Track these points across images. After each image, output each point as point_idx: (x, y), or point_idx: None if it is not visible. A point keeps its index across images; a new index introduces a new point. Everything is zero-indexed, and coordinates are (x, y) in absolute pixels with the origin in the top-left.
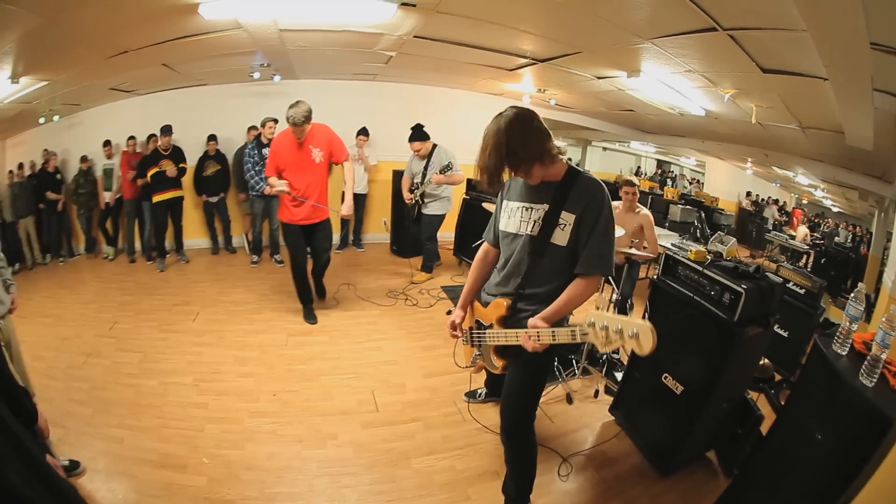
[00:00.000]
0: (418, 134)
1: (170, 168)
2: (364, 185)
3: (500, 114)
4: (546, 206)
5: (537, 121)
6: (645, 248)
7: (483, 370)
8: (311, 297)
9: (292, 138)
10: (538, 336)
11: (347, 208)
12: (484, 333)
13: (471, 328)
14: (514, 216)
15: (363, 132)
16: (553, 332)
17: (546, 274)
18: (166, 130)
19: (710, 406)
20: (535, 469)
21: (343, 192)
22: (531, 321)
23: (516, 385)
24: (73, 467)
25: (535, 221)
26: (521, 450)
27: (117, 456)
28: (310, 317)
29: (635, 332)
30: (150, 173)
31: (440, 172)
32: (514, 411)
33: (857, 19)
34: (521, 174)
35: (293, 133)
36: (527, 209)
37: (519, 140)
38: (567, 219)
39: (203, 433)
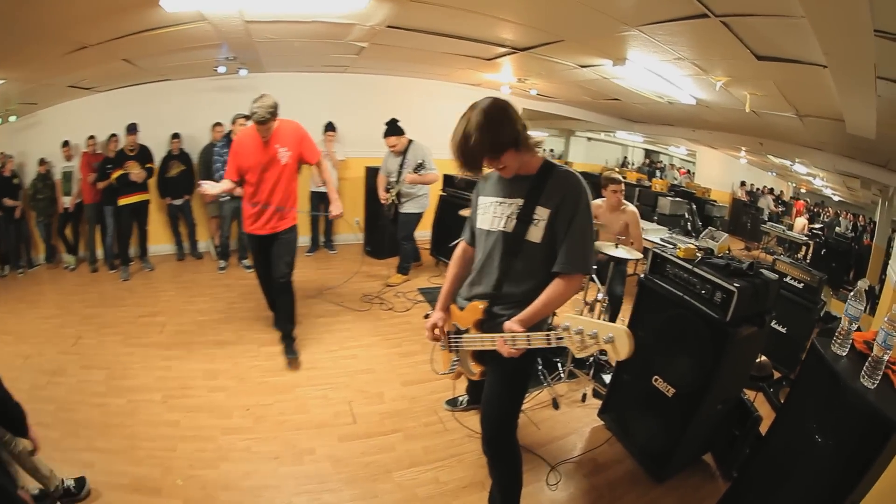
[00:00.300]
0: (393, 129)
1: (135, 171)
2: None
3: (476, 102)
4: (520, 201)
5: (511, 110)
6: (632, 244)
7: (462, 376)
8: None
9: (256, 136)
10: (514, 340)
11: (337, 208)
12: (461, 338)
13: (448, 332)
14: (487, 212)
15: (330, 128)
16: (528, 336)
17: (521, 273)
18: (132, 129)
19: (704, 408)
20: (522, 479)
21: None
22: (507, 324)
23: (496, 393)
24: (80, 487)
25: (507, 217)
26: (505, 460)
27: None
28: (289, 350)
29: (611, 337)
30: (114, 175)
31: (414, 171)
32: (494, 420)
33: (859, 6)
34: (493, 162)
35: (258, 131)
36: (500, 204)
37: (490, 124)
38: (541, 214)
39: (176, 453)
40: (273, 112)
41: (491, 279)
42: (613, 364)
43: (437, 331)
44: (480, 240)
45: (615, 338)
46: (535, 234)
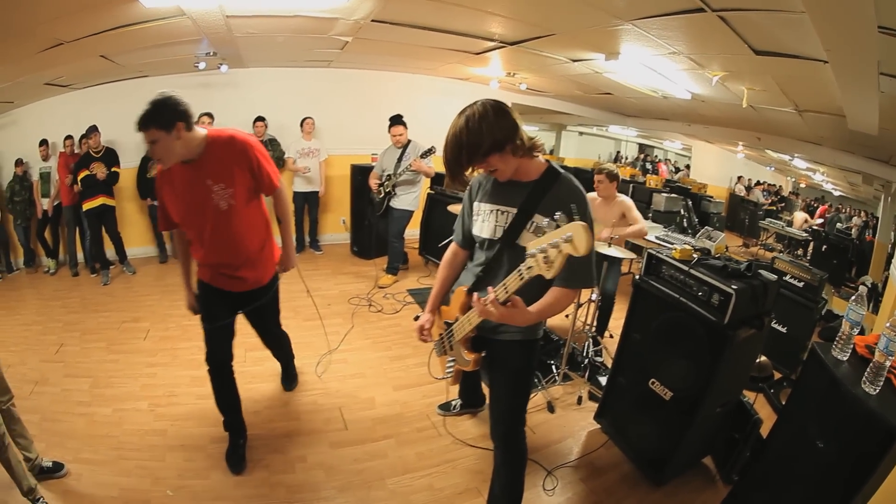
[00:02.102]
0: (399, 120)
1: (100, 171)
2: (318, 182)
3: (466, 107)
4: (515, 210)
5: (499, 112)
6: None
7: (458, 380)
8: (238, 416)
9: (179, 167)
10: (492, 302)
11: (285, 262)
12: (451, 329)
13: (441, 334)
14: (487, 220)
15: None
16: (504, 284)
17: (524, 286)
18: (92, 130)
19: (702, 412)
20: (524, 479)
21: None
22: (489, 289)
23: (503, 391)
24: (57, 469)
25: (510, 227)
26: (515, 456)
27: (77, 495)
28: (234, 463)
29: (569, 236)
30: (79, 177)
31: (422, 157)
32: (504, 417)
33: (863, 3)
34: (482, 166)
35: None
36: (501, 213)
37: (476, 127)
38: (539, 222)
39: (164, 463)
40: (162, 120)
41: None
42: (613, 362)
43: (425, 332)
44: (480, 246)
45: (573, 235)
46: (528, 240)
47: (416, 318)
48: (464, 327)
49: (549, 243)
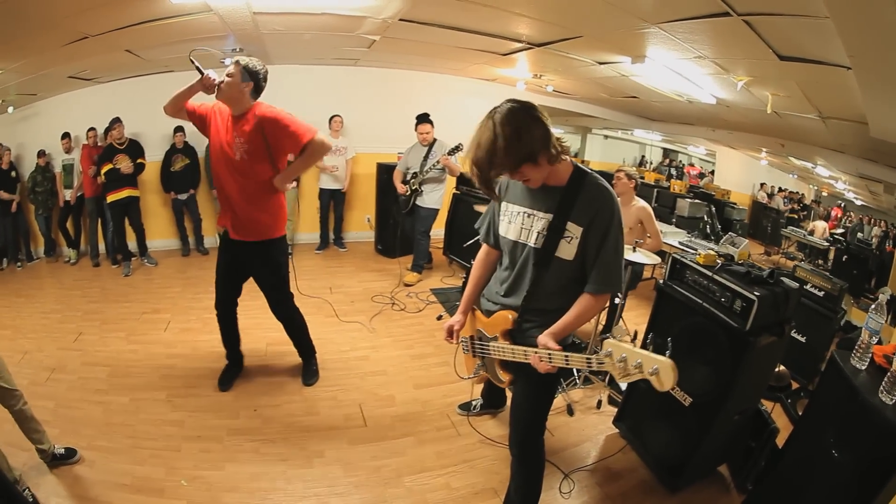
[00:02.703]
0: (427, 118)
1: (124, 164)
2: (344, 180)
3: (494, 109)
4: (549, 217)
5: (531, 117)
6: (648, 238)
7: (483, 382)
8: (236, 351)
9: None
10: (549, 358)
11: (281, 180)
12: (489, 346)
13: (472, 337)
14: (514, 222)
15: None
16: (566, 357)
17: (552, 289)
18: (115, 121)
19: (721, 419)
20: (541, 484)
21: None
22: (541, 339)
23: (525, 398)
24: (70, 455)
25: (538, 233)
26: (531, 463)
27: (89, 481)
28: (222, 381)
29: (655, 370)
30: (103, 170)
31: (448, 154)
32: (523, 424)
33: (886, 9)
34: (514, 176)
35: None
36: (528, 216)
37: (507, 138)
38: (573, 231)
39: (180, 453)
40: (248, 68)
41: (521, 293)
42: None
43: (454, 336)
44: (507, 249)
45: (660, 370)
46: (567, 251)
47: (439, 318)
48: (505, 354)
49: (634, 363)
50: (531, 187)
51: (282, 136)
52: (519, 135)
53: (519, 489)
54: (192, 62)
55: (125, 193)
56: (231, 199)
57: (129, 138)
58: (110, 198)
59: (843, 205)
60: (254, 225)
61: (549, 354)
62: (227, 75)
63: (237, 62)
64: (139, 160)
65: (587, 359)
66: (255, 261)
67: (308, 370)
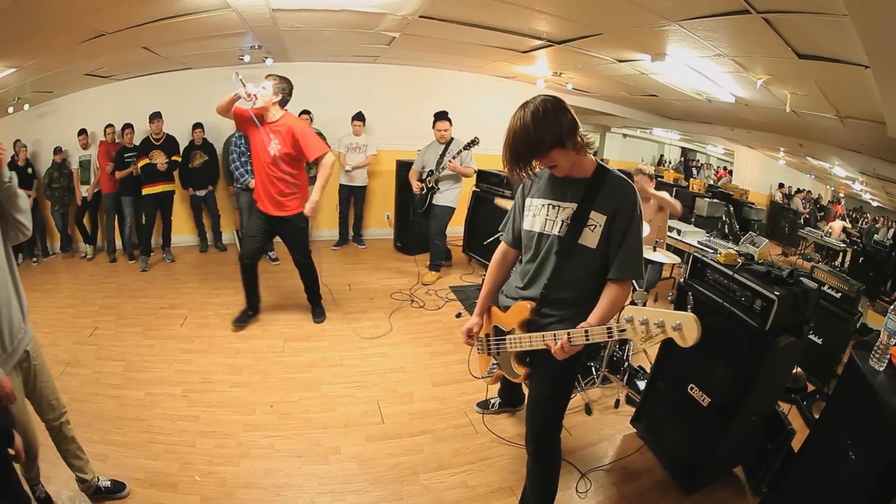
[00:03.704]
0: (446, 115)
1: (160, 160)
2: (364, 177)
3: (527, 101)
4: (574, 206)
5: (561, 107)
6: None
7: (499, 381)
8: (254, 297)
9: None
10: (570, 339)
11: (310, 206)
12: (504, 340)
13: (487, 335)
14: (539, 214)
15: (359, 117)
16: (586, 331)
17: (573, 277)
18: (155, 116)
19: (739, 419)
20: (557, 483)
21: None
22: (573, 331)
23: (542, 395)
24: (117, 489)
25: (562, 221)
26: (547, 460)
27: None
28: (238, 320)
29: (679, 324)
30: (140, 164)
31: (465, 148)
32: (540, 421)
33: None
34: (543, 160)
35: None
36: (553, 207)
37: (535, 121)
38: (597, 219)
39: (194, 448)
40: (282, 80)
41: (541, 282)
42: (653, 366)
43: (472, 337)
44: (529, 242)
45: (683, 324)
46: (591, 239)
47: (458, 315)
48: (522, 344)
49: (655, 322)
50: (556, 175)
51: (303, 145)
52: (550, 117)
53: (535, 488)
54: (237, 76)
55: (160, 188)
56: (265, 183)
57: (166, 133)
58: (146, 191)
59: (842, 202)
60: (279, 205)
61: (569, 334)
62: (262, 87)
63: (269, 76)
64: (174, 157)
65: (608, 328)
66: (284, 227)
67: (316, 310)
